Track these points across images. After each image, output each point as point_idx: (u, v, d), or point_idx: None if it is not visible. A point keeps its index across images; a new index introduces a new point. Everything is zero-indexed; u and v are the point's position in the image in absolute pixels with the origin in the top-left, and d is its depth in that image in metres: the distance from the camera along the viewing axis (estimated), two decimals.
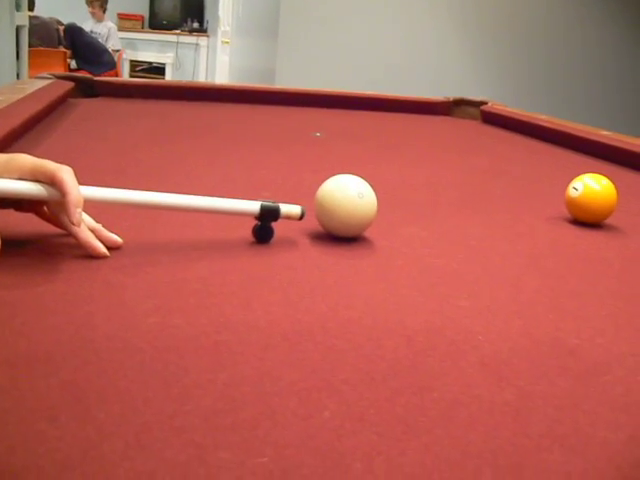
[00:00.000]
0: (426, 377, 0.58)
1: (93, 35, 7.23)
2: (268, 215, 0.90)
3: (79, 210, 0.74)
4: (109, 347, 0.58)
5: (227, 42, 6.29)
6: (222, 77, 6.94)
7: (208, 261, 0.82)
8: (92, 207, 0.82)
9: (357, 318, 0.69)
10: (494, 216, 1.19)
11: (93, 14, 7.45)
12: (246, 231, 0.91)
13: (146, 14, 8.57)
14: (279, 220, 0.91)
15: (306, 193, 1.05)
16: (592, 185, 1.15)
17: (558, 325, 0.73)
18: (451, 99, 2.82)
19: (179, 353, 0.58)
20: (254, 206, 0.89)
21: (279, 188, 1.25)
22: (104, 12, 7.49)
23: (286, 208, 0.91)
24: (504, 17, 4.49)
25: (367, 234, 0.98)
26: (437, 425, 0.50)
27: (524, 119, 2.38)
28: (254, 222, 0.91)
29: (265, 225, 0.91)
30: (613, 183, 1.17)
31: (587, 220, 1.17)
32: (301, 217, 0.92)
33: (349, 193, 0.92)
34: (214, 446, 0.45)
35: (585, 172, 1.19)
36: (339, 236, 0.95)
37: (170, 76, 8.33)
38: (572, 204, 1.17)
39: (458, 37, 4.39)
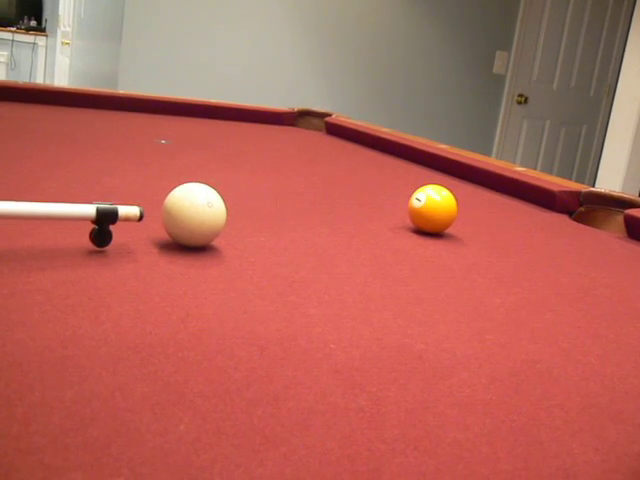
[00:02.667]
0: (281, 387, 0.58)
1: None
2: (105, 218, 0.87)
3: None
4: None
5: (67, 43, 6.05)
6: (62, 79, 6.67)
7: (50, 271, 0.78)
8: None
9: (208, 328, 0.68)
10: (339, 225, 1.21)
11: None
12: (86, 237, 0.88)
13: None
14: (118, 223, 0.88)
15: (152, 201, 1.03)
16: (434, 196, 1.20)
17: (405, 331, 0.75)
18: (296, 110, 2.86)
19: (22, 370, 0.55)
20: (90, 209, 0.86)
21: (124, 196, 1.21)
22: None
23: (124, 210, 0.88)
24: (351, 32, 4.61)
25: (215, 243, 0.97)
26: (294, 434, 0.50)
27: (367, 131, 2.45)
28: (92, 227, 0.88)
29: (103, 229, 0.87)
30: (453, 194, 1.22)
31: (429, 229, 1.22)
32: (140, 218, 0.90)
33: (198, 202, 0.91)
34: (65, 467, 0.42)
35: (426, 183, 1.24)
36: (187, 245, 0.93)
37: (4, 76, 7.91)
38: (415, 214, 1.22)
39: (306, 49, 4.46)
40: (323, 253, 1.02)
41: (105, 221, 0.87)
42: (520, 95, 5.57)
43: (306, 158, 2.02)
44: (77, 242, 0.89)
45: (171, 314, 0.71)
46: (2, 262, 0.79)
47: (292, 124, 2.82)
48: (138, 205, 0.89)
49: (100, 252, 0.87)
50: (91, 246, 0.88)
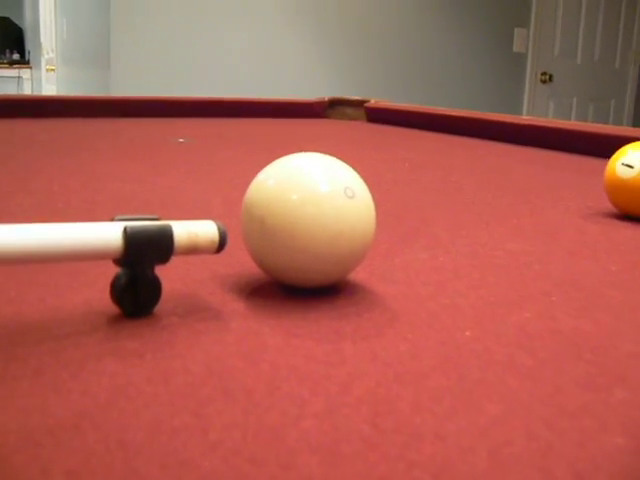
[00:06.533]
0: None
1: None
2: (145, 251, 0.39)
3: None
4: None
5: (52, 69, 5.60)
6: None
7: (66, 368, 0.32)
8: None
9: None
10: (509, 221, 0.74)
11: None
12: (105, 293, 0.41)
13: None
14: (173, 259, 0.41)
15: (196, 210, 0.57)
16: None
17: None
18: (326, 99, 2.40)
19: None
20: (110, 234, 0.38)
21: (150, 207, 0.74)
22: None
23: (184, 229, 0.41)
24: (359, 15, 4.18)
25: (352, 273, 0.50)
26: None
27: (427, 112, 1.99)
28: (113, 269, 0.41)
29: (141, 275, 0.40)
30: None
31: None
32: (221, 246, 0.43)
33: (330, 189, 0.44)
34: None
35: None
36: (301, 285, 0.46)
37: None
38: (624, 189, 0.75)
39: (312, 37, 4.02)
40: (543, 271, 0.55)
41: (144, 258, 0.39)
42: (544, 73, 5.17)
43: (374, 147, 1.55)
44: (86, 301, 0.42)
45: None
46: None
47: (323, 115, 2.35)
48: (213, 220, 0.41)
49: (136, 318, 0.40)
50: (115, 309, 0.41)
